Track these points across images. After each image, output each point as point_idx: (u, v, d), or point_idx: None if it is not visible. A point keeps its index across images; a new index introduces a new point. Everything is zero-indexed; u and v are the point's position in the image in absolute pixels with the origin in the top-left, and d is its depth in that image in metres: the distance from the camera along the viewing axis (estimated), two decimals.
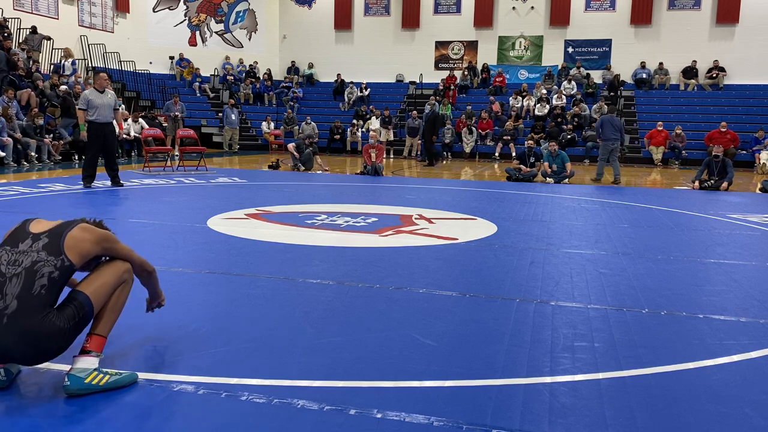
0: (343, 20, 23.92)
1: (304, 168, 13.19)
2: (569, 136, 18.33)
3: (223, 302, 3.67)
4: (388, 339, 3.07)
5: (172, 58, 22.46)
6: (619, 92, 20.30)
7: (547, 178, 12.03)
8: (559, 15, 22.02)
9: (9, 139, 12.24)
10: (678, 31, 21.14)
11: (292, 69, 24.24)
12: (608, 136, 12.19)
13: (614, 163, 12.27)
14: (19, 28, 16.93)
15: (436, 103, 19.20)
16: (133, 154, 16.04)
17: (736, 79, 20.64)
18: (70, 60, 17.48)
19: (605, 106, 19.78)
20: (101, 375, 2.35)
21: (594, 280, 4.41)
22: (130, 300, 2.51)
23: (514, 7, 22.48)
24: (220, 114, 20.02)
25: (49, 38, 17.37)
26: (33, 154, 12.73)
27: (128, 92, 19.68)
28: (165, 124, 17.01)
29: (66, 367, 2.48)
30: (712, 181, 11.40)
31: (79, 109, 9.11)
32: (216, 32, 23.86)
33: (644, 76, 21.22)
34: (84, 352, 2.36)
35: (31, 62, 15.70)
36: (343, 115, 21.14)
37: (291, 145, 13.71)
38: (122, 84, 19.49)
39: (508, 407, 2.37)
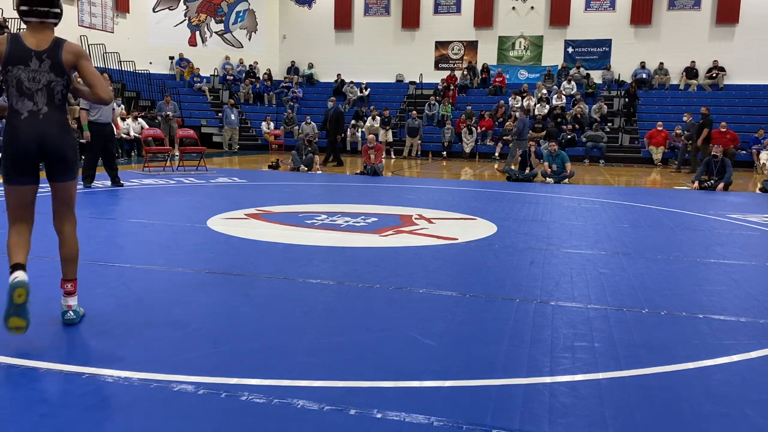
0: (343, 20, 23.91)
1: (306, 169, 13.17)
2: (569, 136, 18.34)
3: (223, 302, 3.68)
4: (388, 339, 3.07)
5: (172, 58, 22.45)
6: (636, 96, 20.01)
7: (547, 178, 12.03)
8: (559, 15, 22.01)
9: None
10: (678, 31, 21.13)
11: (292, 69, 24.24)
12: (525, 136, 13.76)
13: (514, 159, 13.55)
14: (19, 29, 16.93)
15: (338, 102, 18.57)
16: (133, 154, 16.04)
17: (736, 79, 20.64)
18: None
19: (604, 106, 19.83)
20: (81, 309, 3.29)
21: (594, 280, 4.41)
22: (130, 302, 2.52)
23: (514, 7, 22.47)
24: (220, 114, 20.03)
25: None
26: None
27: (128, 92, 19.67)
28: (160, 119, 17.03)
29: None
30: (711, 181, 11.40)
31: (82, 109, 9.11)
32: (216, 32, 23.85)
33: (644, 76, 21.22)
34: (70, 293, 3.20)
35: None
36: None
37: (293, 153, 13.67)
38: (122, 84, 19.48)
39: (508, 407, 2.37)
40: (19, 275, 2.86)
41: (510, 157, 14.01)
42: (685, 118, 17.03)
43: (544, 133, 17.96)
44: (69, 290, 3.20)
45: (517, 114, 15.15)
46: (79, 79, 3.28)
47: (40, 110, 3.03)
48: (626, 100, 19.85)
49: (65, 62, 3.06)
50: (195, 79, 21.97)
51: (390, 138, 19.31)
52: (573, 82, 21.01)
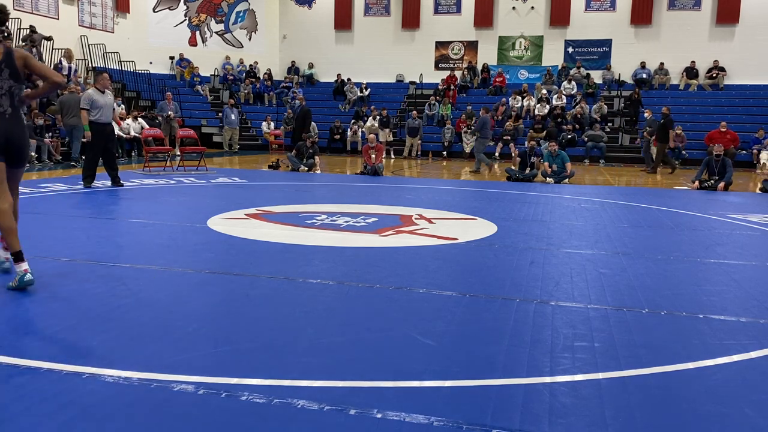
0: (343, 20, 23.92)
1: (306, 169, 13.16)
2: (569, 136, 18.33)
3: (223, 302, 3.68)
4: (388, 339, 3.07)
5: (172, 58, 22.45)
6: (640, 102, 19.78)
7: (547, 178, 12.03)
8: (559, 15, 22.01)
9: None
10: (678, 31, 21.13)
11: (292, 69, 24.25)
12: (486, 134, 14.53)
13: (482, 156, 14.42)
14: (19, 28, 16.92)
15: (304, 100, 18.08)
16: (133, 154, 16.03)
17: (736, 79, 20.64)
18: (70, 64, 17.36)
19: (605, 106, 19.82)
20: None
21: (594, 280, 4.41)
22: (130, 302, 2.52)
23: (514, 7, 22.47)
24: (220, 114, 20.02)
25: (49, 38, 17.36)
26: (33, 154, 12.73)
27: (128, 92, 19.67)
28: (160, 120, 16.96)
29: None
30: (712, 181, 11.40)
31: (82, 108, 9.11)
32: (216, 32, 23.85)
33: (644, 76, 21.21)
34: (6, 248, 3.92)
35: None
36: (343, 115, 21.15)
37: (289, 155, 13.65)
38: (122, 84, 19.48)
39: (508, 407, 2.37)
40: (27, 270, 3.67)
41: (477, 154, 14.55)
42: (646, 115, 17.17)
43: (544, 133, 17.95)
44: (5, 246, 3.91)
45: (480, 113, 15.57)
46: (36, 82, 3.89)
47: (6, 111, 3.71)
48: (628, 102, 19.67)
49: (19, 68, 3.72)
50: (195, 79, 21.97)
51: (390, 137, 19.30)
52: (573, 82, 21.01)
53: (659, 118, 15.46)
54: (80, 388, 2.43)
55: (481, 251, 5.35)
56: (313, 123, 19.25)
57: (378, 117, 19.63)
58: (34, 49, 15.93)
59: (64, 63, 17.08)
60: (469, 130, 18.90)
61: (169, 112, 17.09)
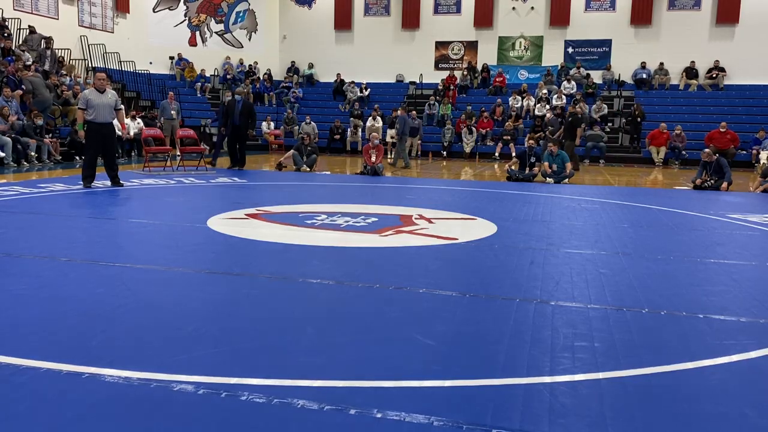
0: (343, 20, 23.91)
1: (308, 169, 13.14)
2: None
3: (223, 302, 3.67)
4: (388, 339, 3.07)
5: (172, 58, 22.45)
6: (642, 115, 19.47)
7: (547, 178, 12.03)
8: (559, 15, 22.01)
9: (10, 125, 12.17)
10: (678, 31, 21.13)
11: (292, 69, 24.24)
12: (405, 131, 15.20)
13: (405, 154, 15.27)
14: (19, 28, 16.92)
15: (236, 88, 17.00)
16: (133, 154, 16.03)
17: (736, 79, 20.63)
18: (70, 76, 17.28)
19: (605, 106, 19.81)
20: None
21: (594, 280, 4.40)
22: (128, 301, 2.51)
23: (514, 8, 22.46)
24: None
25: (49, 38, 17.35)
26: (33, 154, 12.71)
27: (128, 92, 19.65)
28: (160, 124, 16.90)
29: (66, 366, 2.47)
30: (712, 181, 11.40)
31: (78, 108, 9.10)
32: (216, 32, 23.85)
33: (644, 76, 21.20)
34: None
35: (31, 61, 15.69)
36: (343, 115, 21.14)
37: (291, 153, 13.63)
38: (122, 84, 19.47)
39: (508, 407, 2.37)
40: None
41: (395, 154, 15.32)
42: (548, 115, 17.39)
43: (539, 134, 17.93)
44: None
45: (399, 112, 15.70)
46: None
47: None
48: (630, 118, 19.35)
49: None
50: (202, 80, 21.93)
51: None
52: (573, 82, 20.99)
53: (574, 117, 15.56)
54: (80, 388, 2.43)
55: (481, 251, 5.35)
56: (312, 123, 19.27)
57: (380, 117, 19.59)
58: (28, 53, 15.92)
59: (64, 75, 16.95)
60: (468, 130, 18.90)
61: (173, 112, 17.00)
